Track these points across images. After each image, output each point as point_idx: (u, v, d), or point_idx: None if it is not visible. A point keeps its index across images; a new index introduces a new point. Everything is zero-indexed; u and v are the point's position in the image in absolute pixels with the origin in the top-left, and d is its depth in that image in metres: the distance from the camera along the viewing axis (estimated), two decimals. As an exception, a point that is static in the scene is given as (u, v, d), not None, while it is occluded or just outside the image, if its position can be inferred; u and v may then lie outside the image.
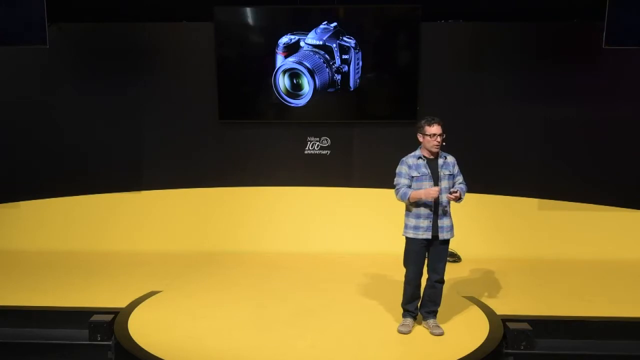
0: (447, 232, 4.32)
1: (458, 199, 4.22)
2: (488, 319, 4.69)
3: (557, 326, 4.71)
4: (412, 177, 4.29)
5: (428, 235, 4.29)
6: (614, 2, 5.78)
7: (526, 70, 6.73)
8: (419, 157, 4.33)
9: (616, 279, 5.92)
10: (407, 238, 4.38)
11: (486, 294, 5.36)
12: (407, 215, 4.36)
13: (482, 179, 6.83)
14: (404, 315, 4.53)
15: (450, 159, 4.38)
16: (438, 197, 4.23)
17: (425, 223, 4.28)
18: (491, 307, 4.94)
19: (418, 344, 4.28)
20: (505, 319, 4.64)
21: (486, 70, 6.77)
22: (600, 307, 5.04)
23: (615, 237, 6.69)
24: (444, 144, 4.30)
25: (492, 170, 6.87)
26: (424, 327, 4.51)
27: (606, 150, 6.76)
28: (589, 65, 6.64)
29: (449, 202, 4.29)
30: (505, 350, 4.43)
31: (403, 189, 4.29)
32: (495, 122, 6.84)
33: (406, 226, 4.36)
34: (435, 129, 4.23)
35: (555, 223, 6.80)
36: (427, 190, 4.20)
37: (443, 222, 4.29)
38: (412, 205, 4.30)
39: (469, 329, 4.52)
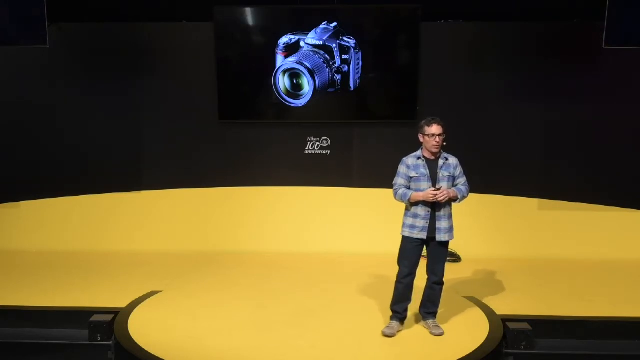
0: (445, 234, 4.29)
1: (454, 200, 4.26)
2: (488, 319, 4.69)
3: (557, 326, 4.71)
4: (411, 177, 4.29)
5: (423, 235, 4.28)
6: (614, 2, 5.79)
7: (526, 70, 6.73)
8: (419, 158, 4.31)
9: (616, 279, 5.93)
10: (402, 236, 4.38)
11: (486, 294, 5.35)
12: (405, 215, 4.37)
13: (482, 179, 6.82)
14: (391, 318, 4.48)
15: (453, 160, 4.35)
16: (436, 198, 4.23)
17: (422, 223, 4.27)
18: (491, 307, 4.94)
19: (418, 344, 4.27)
20: (505, 319, 4.64)
21: (486, 70, 6.77)
22: (600, 307, 5.04)
23: (615, 237, 6.70)
24: (444, 144, 4.29)
25: (492, 170, 6.87)
26: (423, 327, 4.51)
27: (606, 150, 6.76)
28: (589, 65, 6.63)
29: (449, 205, 4.30)
30: (505, 350, 4.43)
31: (401, 190, 4.29)
32: (496, 122, 6.84)
33: (404, 224, 4.36)
34: (434, 129, 4.21)
35: (555, 223, 6.80)
36: (426, 193, 4.19)
37: (441, 224, 4.26)
38: (411, 205, 4.30)
39: (469, 329, 4.52)
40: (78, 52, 6.92)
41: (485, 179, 6.83)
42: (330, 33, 6.60)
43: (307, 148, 7.02)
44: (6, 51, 6.58)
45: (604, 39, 5.92)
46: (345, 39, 6.60)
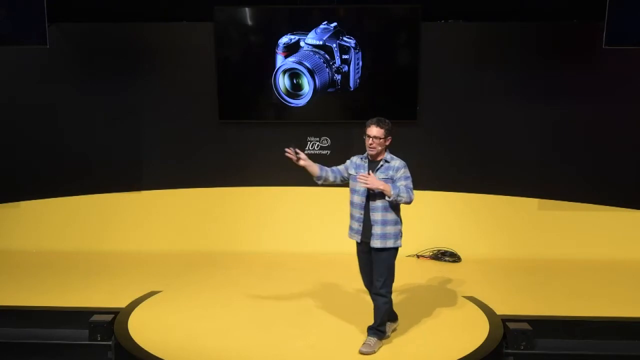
0: (377, 240, 4.04)
1: (389, 198, 3.94)
2: (488, 319, 4.69)
3: (557, 326, 4.71)
4: (350, 174, 4.27)
5: (357, 238, 4.19)
6: (614, 2, 5.79)
7: (526, 71, 6.72)
8: (362, 158, 4.26)
9: (616, 279, 5.93)
10: None
11: (486, 294, 5.34)
12: None
13: (482, 178, 6.83)
14: None
15: (395, 163, 4.12)
16: (368, 202, 4.08)
17: (355, 225, 4.17)
18: (491, 307, 4.94)
19: (418, 344, 4.28)
20: (505, 319, 4.64)
21: (486, 70, 6.77)
22: (600, 307, 5.04)
23: (615, 237, 6.69)
24: (379, 147, 4.10)
25: (492, 170, 6.87)
26: None
27: (606, 150, 6.75)
28: (589, 65, 6.63)
29: (388, 210, 4.06)
30: (505, 350, 4.44)
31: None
32: (495, 122, 6.83)
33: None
34: (370, 130, 4.10)
35: (555, 223, 6.80)
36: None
37: (375, 229, 4.05)
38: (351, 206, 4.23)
39: (469, 329, 4.52)
40: (78, 52, 6.92)
41: (486, 178, 6.84)
42: (330, 33, 6.59)
43: (307, 148, 7.01)
44: (6, 51, 6.58)
45: (604, 39, 5.92)
46: (345, 39, 6.60)
